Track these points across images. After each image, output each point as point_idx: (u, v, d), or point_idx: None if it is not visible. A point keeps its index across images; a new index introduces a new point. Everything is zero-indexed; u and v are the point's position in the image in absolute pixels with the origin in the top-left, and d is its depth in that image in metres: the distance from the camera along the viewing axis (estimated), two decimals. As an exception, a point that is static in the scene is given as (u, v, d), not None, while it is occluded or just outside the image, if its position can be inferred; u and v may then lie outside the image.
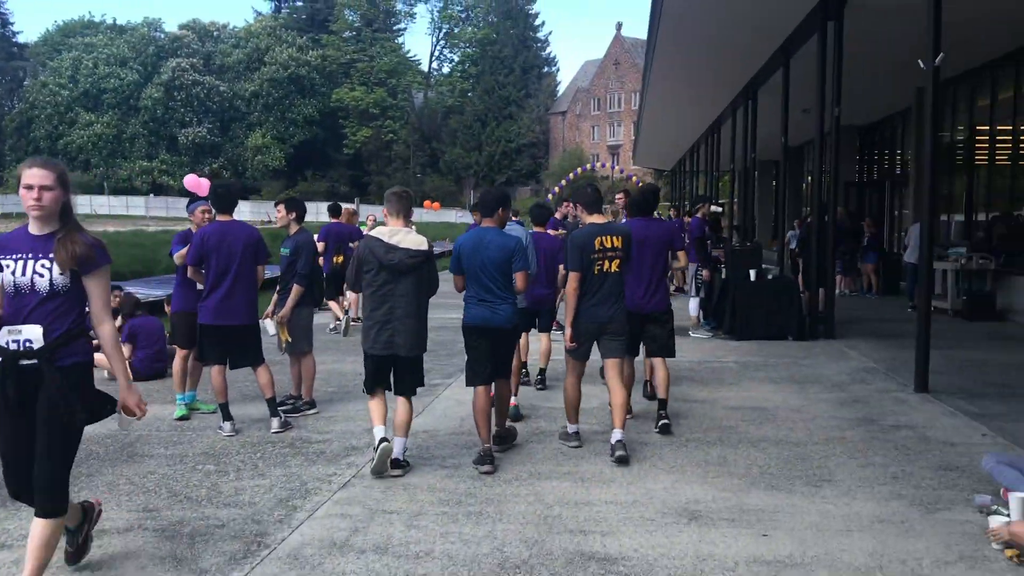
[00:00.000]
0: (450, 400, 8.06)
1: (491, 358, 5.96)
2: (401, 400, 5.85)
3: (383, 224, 5.92)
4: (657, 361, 7.11)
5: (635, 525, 4.75)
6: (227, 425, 6.89)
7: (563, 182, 61.29)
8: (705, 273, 12.41)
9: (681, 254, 7.33)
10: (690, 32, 14.31)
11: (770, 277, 12.13)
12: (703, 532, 4.64)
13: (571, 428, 6.43)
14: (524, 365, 8.30)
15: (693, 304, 12.35)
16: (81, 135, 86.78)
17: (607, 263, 6.10)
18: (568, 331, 6.20)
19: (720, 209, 22.31)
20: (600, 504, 5.11)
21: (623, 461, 5.85)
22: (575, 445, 6.35)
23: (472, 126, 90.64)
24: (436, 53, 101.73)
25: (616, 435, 6.00)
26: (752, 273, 11.89)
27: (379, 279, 5.72)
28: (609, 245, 6.11)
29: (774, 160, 36.54)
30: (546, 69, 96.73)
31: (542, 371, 8.68)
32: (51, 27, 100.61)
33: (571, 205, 13.10)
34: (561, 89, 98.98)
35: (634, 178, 57.87)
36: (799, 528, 4.69)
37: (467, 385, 6.12)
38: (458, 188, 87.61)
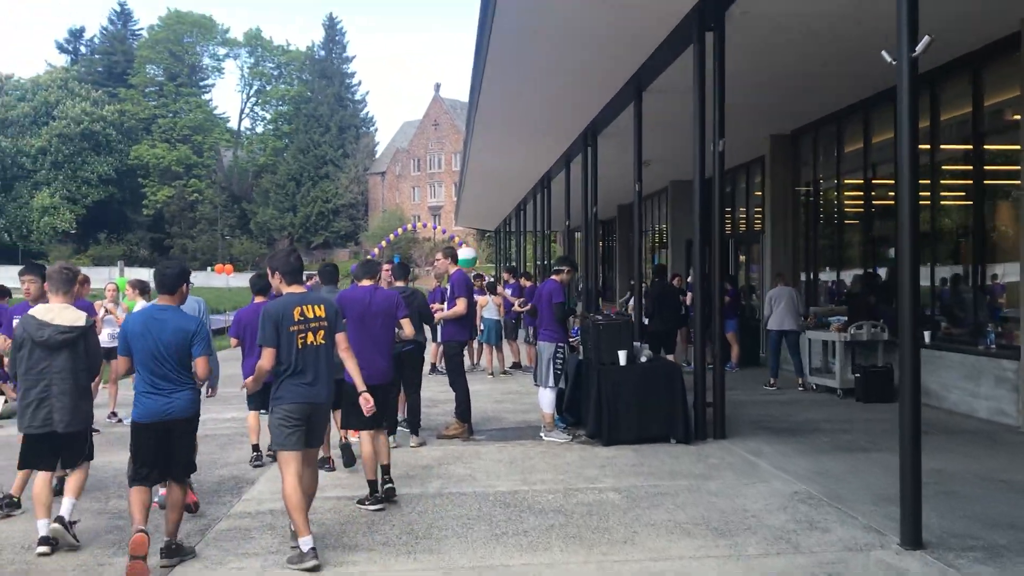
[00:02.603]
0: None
1: (162, 457, 5.48)
2: (73, 473, 5.92)
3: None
4: (381, 434, 6.86)
5: None
6: None
7: (383, 243, 58.10)
8: (574, 341, 9.58)
9: (405, 322, 7.28)
10: (522, 60, 11.63)
11: (643, 360, 9.30)
12: None
13: (304, 544, 5.31)
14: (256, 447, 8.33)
15: (547, 397, 9.32)
16: None
17: (311, 335, 5.59)
18: (250, 381, 5.88)
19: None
20: None
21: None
22: (310, 565, 5.20)
23: (286, 186, 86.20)
24: (246, 110, 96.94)
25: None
26: (622, 356, 9.03)
27: (33, 357, 5.76)
28: (311, 315, 5.61)
29: (601, 220, 34.95)
30: (364, 129, 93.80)
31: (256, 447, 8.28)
32: None
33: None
34: (380, 149, 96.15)
35: (456, 238, 55.37)
36: None
37: (130, 486, 5.47)
38: (270, 251, 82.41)
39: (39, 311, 5.77)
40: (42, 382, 5.70)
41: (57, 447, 5.86)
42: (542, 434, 9.34)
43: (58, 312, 5.74)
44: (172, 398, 5.40)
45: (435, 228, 67.39)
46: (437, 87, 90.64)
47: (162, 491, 6.09)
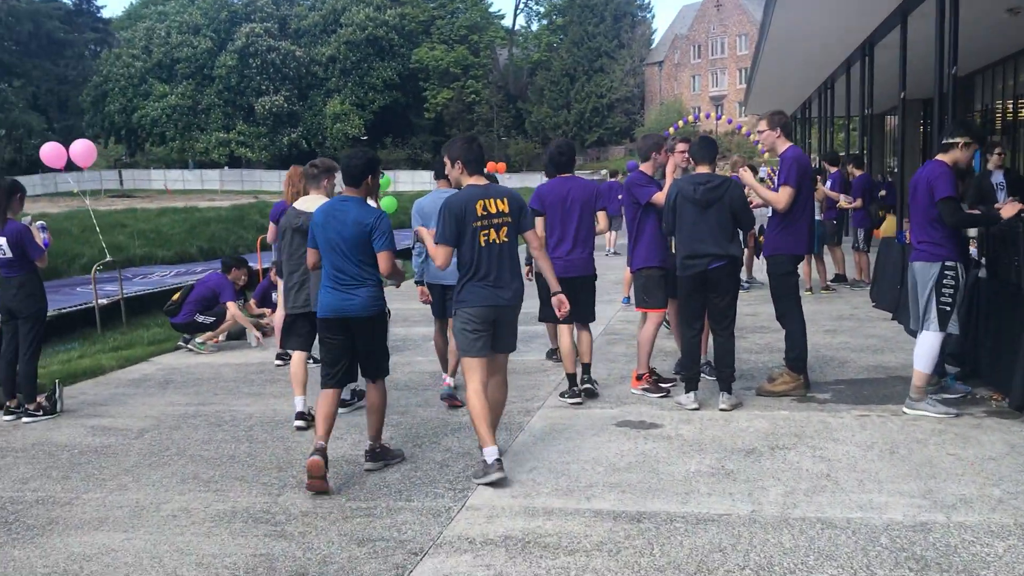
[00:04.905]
0: None
1: (348, 356, 5.17)
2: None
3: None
4: (581, 328, 6.76)
5: None
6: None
7: (661, 138, 54.48)
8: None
9: (601, 215, 6.70)
10: None
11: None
12: None
13: (488, 455, 4.88)
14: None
15: (929, 346, 5.83)
16: (155, 107, 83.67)
17: (493, 232, 5.06)
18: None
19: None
20: None
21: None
22: (495, 478, 4.78)
23: (560, 82, 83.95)
24: (521, 5, 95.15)
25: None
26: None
27: (294, 243, 6.31)
28: (494, 210, 5.08)
29: (922, 98, 29.27)
30: (640, 16, 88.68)
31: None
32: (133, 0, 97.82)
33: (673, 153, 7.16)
34: (657, 37, 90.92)
35: (743, 129, 50.60)
36: None
37: (322, 388, 5.13)
38: (544, 151, 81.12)
39: (299, 203, 6.34)
40: (303, 266, 6.01)
41: (313, 328, 5.92)
42: (905, 408, 6.01)
43: (312, 202, 6.09)
44: (351, 294, 5.07)
45: (718, 119, 62.54)
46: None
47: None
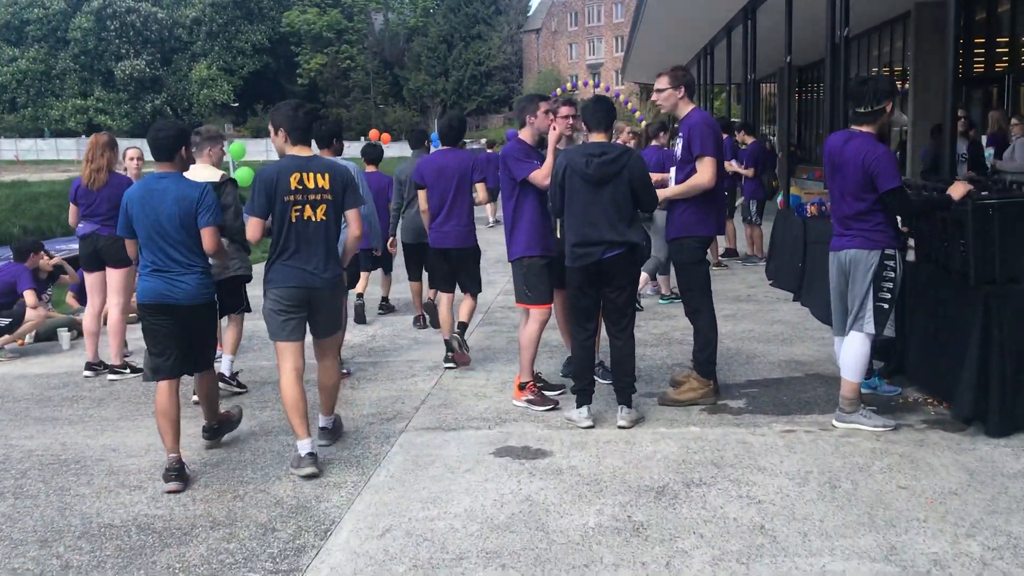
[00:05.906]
0: None
1: (178, 344, 4.65)
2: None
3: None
4: (466, 296, 6.69)
5: None
6: None
7: (540, 106, 53.49)
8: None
9: (480, 187, 6.60)
10: None
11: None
12: None
13: (301, 448, 4.61)
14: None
15: (859, 351, 4.90)
16: (4, 72, 77.96)
17: (308, 209, 4.61)
18: None
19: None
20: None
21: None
22: (307, 472, 4.50)
23: (437, 49, 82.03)
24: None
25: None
26: (1035, 267, 4.69)
27: None
28: (311, 185, 4.62)
29: (798, 65, 29.11)
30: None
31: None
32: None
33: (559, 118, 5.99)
34: (534, 4, 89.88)
35: (621, 96, 50.16)
36: None
37: (144, 380, 4.89)
38: (423, 119, 79.30)
39: (189, 175, 5.32)
40: None
41: None
42: (835, 422, 5.08)
43: (201, 173, 5.68)
44: (175, 282, 4.57)
45: (596, 87, 61.97)
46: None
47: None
